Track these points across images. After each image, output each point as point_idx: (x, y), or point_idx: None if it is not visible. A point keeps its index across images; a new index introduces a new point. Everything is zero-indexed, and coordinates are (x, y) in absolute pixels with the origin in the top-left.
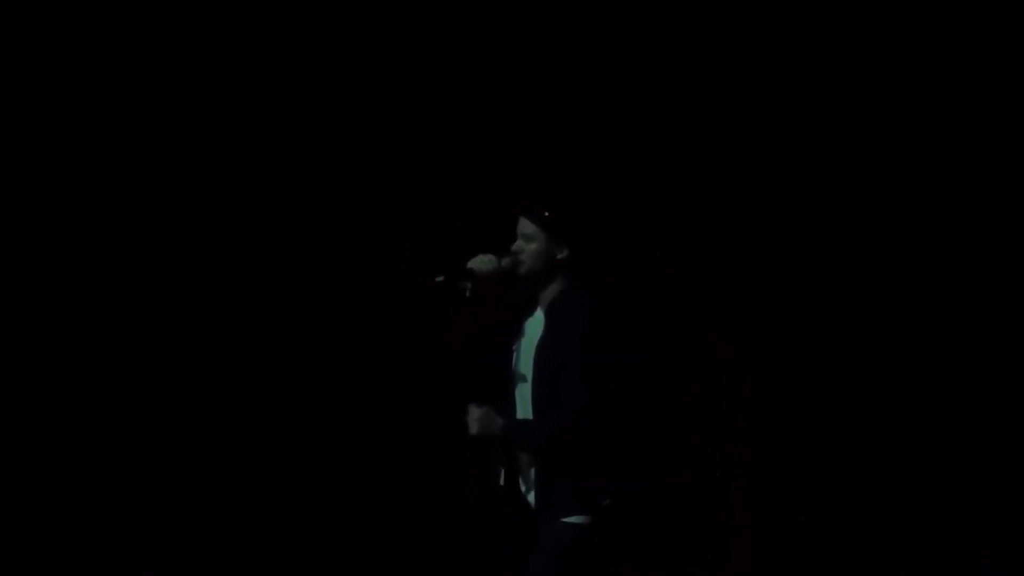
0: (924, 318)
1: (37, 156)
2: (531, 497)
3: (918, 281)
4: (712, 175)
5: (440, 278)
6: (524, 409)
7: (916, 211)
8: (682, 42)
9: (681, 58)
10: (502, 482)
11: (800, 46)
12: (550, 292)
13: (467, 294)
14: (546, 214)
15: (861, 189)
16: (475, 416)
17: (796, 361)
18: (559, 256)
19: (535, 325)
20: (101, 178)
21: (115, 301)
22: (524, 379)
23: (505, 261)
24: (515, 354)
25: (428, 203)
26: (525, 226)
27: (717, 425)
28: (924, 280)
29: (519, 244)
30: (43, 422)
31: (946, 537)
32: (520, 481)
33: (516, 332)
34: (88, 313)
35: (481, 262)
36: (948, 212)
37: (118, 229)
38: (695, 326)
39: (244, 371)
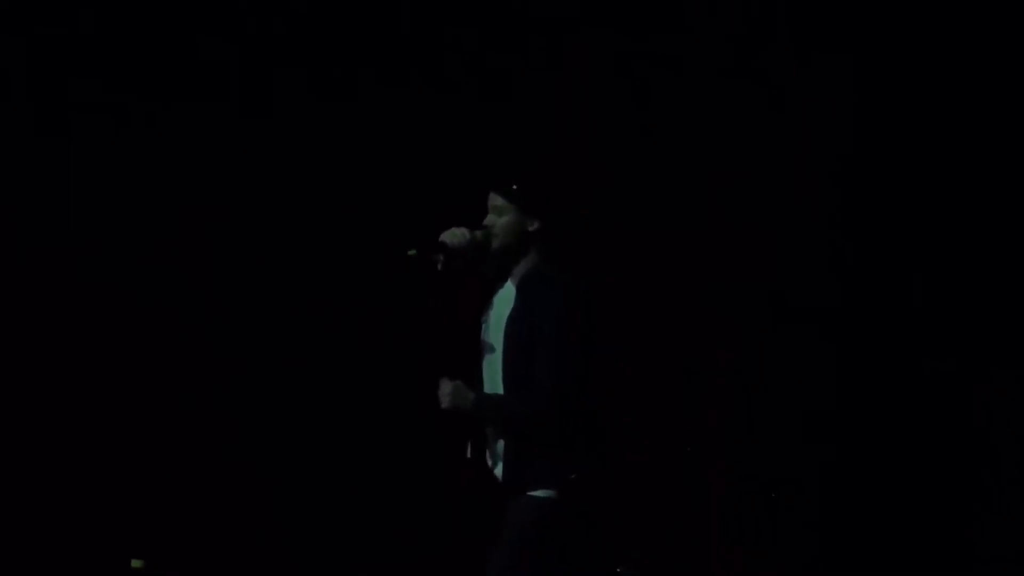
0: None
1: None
2: (498, 471)
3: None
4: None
5: (413, 251)
6: (492, 382)
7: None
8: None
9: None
10: (468, 455)
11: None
12: (522, 266)
13: (439, 267)
14: (514, 187)
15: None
16: (446, 390)
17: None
18: (530, 228)
19: (505, 298)
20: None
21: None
22: (492, 350)
23: (477, 234)
24: (484, 326)
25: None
26: (495, 199)
27: (691, 402)
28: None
29: (490, 217)
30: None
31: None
32: (487, 455)
33: (486, 305)
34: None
35: (453, 235)
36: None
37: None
38: (669, 305)
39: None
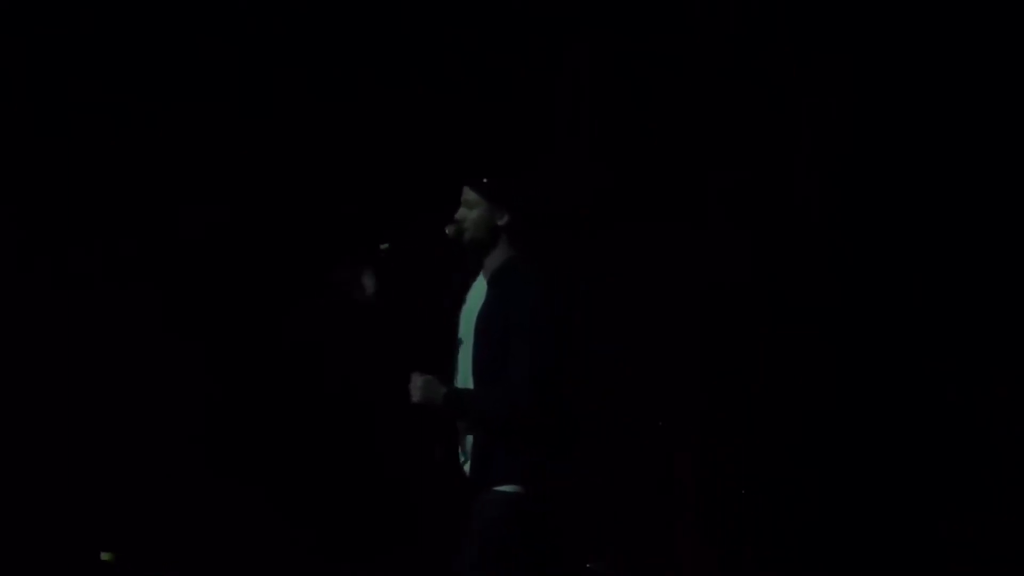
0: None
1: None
2: (467, 466)
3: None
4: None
5: (385, 245)
6: (464, 375)
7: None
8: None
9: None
10: (440, 450)
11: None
12: (494, 260)
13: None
14: (484, 180)
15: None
16: (418, 384)
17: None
18: (500, 222)
19: (477, 292)
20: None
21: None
22: (464, 344)
23: (449, 229)
24: (458, 321)
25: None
26: (467, 193)
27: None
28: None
29: (462, 212)
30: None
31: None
32: (459, 451)
33: (459, 299)
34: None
35: None
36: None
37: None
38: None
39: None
